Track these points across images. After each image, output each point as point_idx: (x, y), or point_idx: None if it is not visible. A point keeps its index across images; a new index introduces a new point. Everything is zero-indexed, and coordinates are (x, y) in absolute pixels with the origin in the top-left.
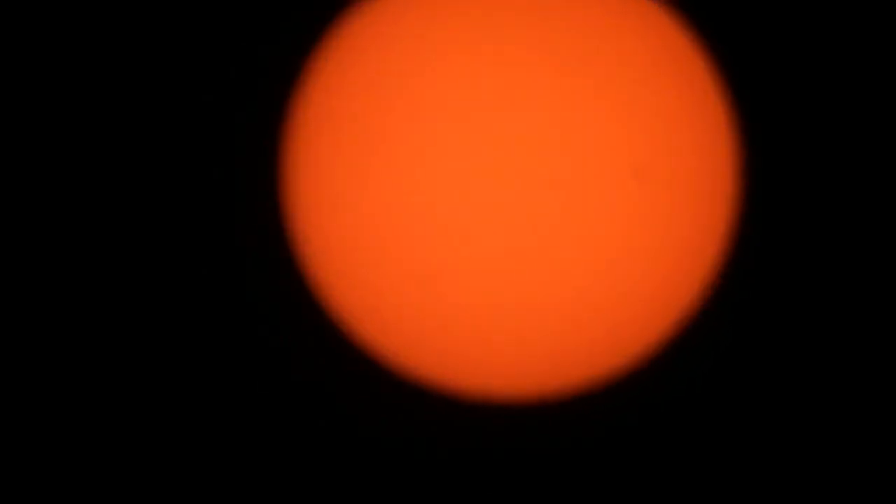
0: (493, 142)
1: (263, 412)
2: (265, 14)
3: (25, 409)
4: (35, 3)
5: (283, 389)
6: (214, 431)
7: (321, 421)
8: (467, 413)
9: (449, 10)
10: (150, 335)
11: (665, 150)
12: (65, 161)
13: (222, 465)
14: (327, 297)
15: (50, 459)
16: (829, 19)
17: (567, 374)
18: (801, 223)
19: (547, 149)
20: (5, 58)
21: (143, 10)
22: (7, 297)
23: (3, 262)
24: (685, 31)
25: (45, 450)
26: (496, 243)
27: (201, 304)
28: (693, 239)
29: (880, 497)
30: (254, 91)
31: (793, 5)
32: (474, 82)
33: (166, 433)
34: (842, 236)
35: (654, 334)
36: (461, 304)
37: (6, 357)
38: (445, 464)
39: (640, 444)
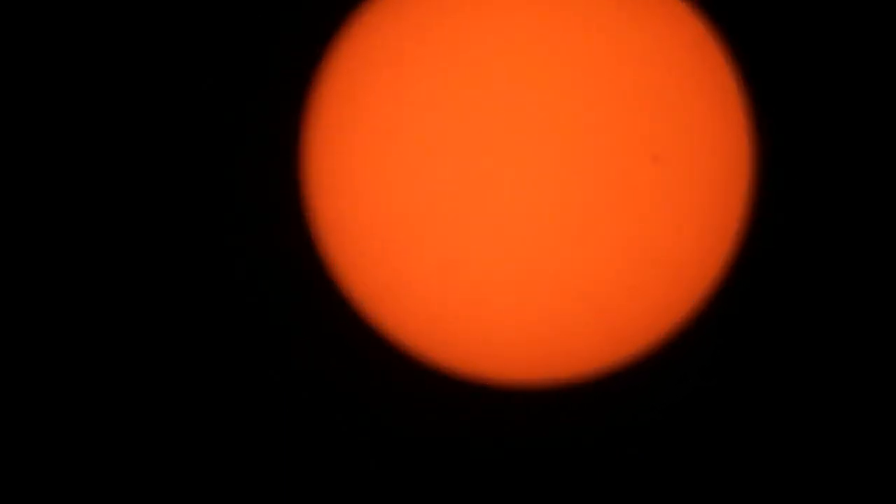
0: (514, 129)
1: (284, 400)
2: (282, 7)
3: (62, 405)
4: (43, 1)
5: (303, 376)
6: (232, 421)
7: (340, 407)
8: (484, 397)
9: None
10: (170, 325)
11: (683, 136)
12: (86, 156)
13: (242, 453)
14: (347, 284)
15: (85, 453)
16: (848, 9)
17: (581, 360)
18: (817, 214)
19: (566, 136)
20: (24, 59)
21: (157, 5)
22: (34, 299)
23: (26, 266)
24: (704, 22)
25: (84, 441)
26: (515, 229)
27: (218, 294)
28: (709, 224)
29: (884, 498)
30: (272, 81)
31: None
32: (495, 72)
33: (187, 422)
34: (856, 227)
35: (669, 320)
36: (479, 290)
37: (46, 356)
38: (466, 448)
39: (653, 431)
